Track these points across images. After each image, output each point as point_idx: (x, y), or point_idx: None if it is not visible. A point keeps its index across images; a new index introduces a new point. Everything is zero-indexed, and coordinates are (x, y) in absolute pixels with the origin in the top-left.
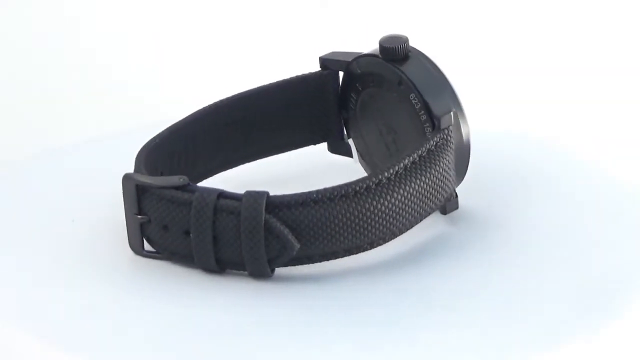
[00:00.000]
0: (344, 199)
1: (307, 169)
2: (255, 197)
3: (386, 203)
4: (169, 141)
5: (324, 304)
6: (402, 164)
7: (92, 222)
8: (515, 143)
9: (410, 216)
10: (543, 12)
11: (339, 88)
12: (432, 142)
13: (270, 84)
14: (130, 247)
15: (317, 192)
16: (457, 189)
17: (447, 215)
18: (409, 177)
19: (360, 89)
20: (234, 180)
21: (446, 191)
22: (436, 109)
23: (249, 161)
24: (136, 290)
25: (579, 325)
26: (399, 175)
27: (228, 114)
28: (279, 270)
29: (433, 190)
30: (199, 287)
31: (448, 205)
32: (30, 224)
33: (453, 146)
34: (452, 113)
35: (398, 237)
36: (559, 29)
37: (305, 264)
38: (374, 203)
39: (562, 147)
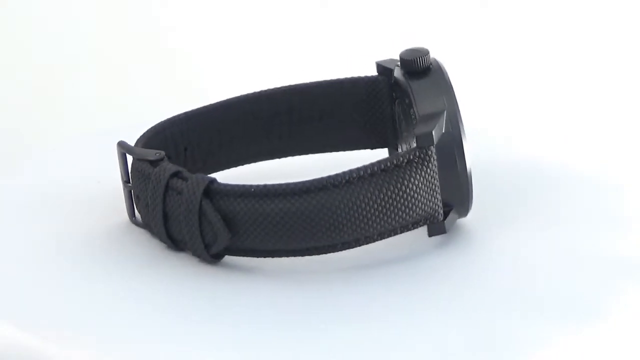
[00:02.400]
0: (280, 197)
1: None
2: (197, 181)
3: (324, 210)
4: (202, 119)
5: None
6: (355, 174)
7: (111, 189)
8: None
9: (362, 229)
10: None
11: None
12: (401, 158)
13: (321, 81)
14: (127, 214)
15: (257, 186)
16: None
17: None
18: (361, 188)
19: (395, 97)
20: (274, 170)
21: (416, 212)
22: (419, 127)
23: (296, 154)
24: (98, 259)
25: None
26: (349, 182)
27: (273, 103)
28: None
29: (393, 207)
30: (150, 263)
31: (431, 227)
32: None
33: (435, 167)
34: (433, 133)
35: (365, 251)
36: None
37: (252, 256)
38: (310, 207)
39: (565, 166)
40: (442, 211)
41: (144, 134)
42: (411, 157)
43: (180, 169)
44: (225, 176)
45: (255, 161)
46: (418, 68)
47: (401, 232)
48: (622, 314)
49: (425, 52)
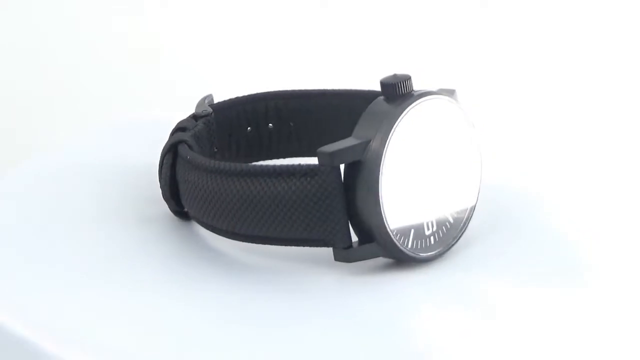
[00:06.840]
0: (200, 171)
1: None
2: (172, 139)
3: (220, 193)
4: (312, 102)
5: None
6: (252, 168)
7: None
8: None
9: (243, 225)
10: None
11: None
12: (295, 169)
13: None
14: None
15: (195, 155)
16: None
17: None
18: (251, 184)
19: None
20: None
21: (301, 228)
22: (328, 145)
23: None
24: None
25: None
26: (246, 175)
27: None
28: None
29: (274, 213)
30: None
31: (335, 252)
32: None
33: (334, 190)
34: (334, 155)
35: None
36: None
37: (205, 228)
38: (212, 187)
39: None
40: (347, 239)
41: (238, 96)
42: (304, 171)
43: (185, 125)
44: None
45: None
46: (396, 93)
47: (292, 245)
48: None
49: (406, 78)
